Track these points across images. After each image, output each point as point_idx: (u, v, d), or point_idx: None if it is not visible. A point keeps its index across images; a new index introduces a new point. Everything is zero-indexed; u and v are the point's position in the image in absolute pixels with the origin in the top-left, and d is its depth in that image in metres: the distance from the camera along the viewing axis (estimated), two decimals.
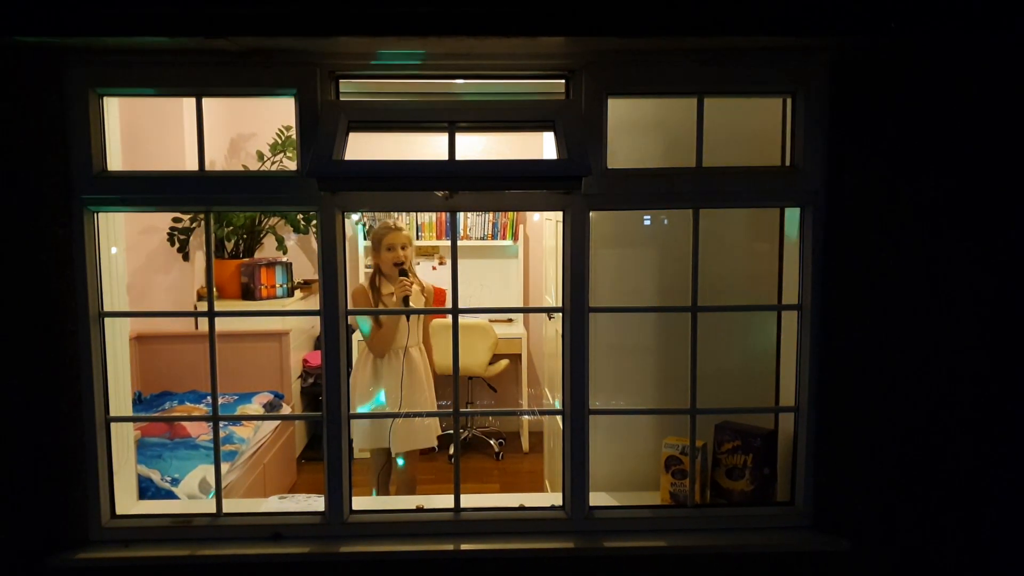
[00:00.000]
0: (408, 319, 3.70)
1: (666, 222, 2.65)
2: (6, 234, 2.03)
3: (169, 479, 3.63)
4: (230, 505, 2.30)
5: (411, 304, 3.59)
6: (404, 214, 4.36)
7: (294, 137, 2.14)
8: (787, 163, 2.23)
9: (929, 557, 2.22)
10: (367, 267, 6.31)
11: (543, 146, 4.43)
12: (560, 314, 2.26)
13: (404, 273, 3.61)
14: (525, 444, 6.10)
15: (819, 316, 2.19)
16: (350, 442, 2.26)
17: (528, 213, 6.22)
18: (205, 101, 2.16)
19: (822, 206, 2.15)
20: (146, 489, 3.48)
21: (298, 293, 5.66)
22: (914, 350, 2.15)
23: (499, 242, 6.34)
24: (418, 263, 4.08)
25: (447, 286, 3.86)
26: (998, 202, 2.11)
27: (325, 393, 2.19)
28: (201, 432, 4.25)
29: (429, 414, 3.83)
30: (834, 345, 2.17)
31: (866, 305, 2.14)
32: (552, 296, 4.25)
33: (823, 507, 2.22)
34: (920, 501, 2.20)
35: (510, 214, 6.28)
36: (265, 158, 5.48)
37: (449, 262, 4.34)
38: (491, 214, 6.30)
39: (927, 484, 2.19)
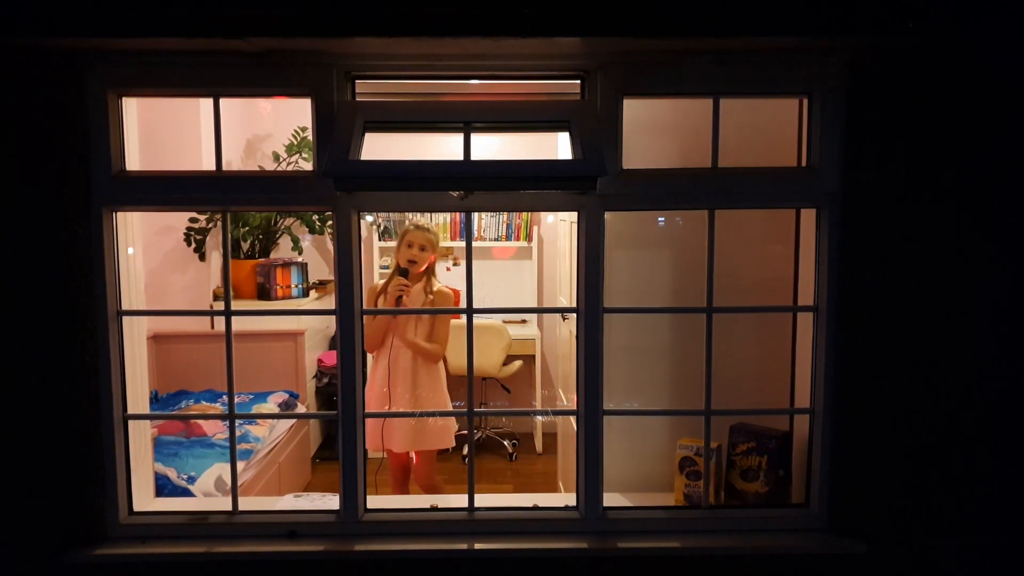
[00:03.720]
0: (397, 317, 3.66)
1: (680, 222, 2.65)
2: (27, 233, 2.06)
3: (185, 477, 3.66)
4: (246, 503, 2.32)
5: (407, 303, 3.55)
6: (431, 218, 4.30)
7: (309, 138, 2.15)
8: (803, 164, 2.22)
9: (946, 560, 2.21)
10: (382, 267, 6.33)
11: (557, 147, 4.43)
12: (574, 315, 2.26)
13: (403, 273, 3.56)
14: (539, 445, 6.10)
15: (835, 317, 2.17)
16: (364, 441, 2.26)
17: (542, 214, 6.23)
18: (221, 102, 2.18)
19: (838, 207, 2.14)
20: (163, 487, 3.51)
21: (313, 293, 5.68)
22: (931, 352, 2.14)
23: (513, 243, 6.35)
24: (448, 267, 4.00)
25: (461, 286, 3.83)
26: (1016, 203, 2.09)
27: (340, 392, 2.20)
28: (217, 431, 4.28)
29: (443, 413, 3.83)
30: (850, 347, 2.16)
31: (882, 307, 2.13)
32: (566, 297, 4.25)
33: (838, 509, 2.21)
34: (937, 504, 2.18)
35: (524, 215, 6.28)
36: (281, 159, 5.52)
37: (463, 263, 4.35)
38: (505, 215, 6.30)
39: (944, 487, 2.18)
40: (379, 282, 3.75)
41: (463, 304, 2.28)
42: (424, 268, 3.63)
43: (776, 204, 2.26)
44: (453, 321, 3.95)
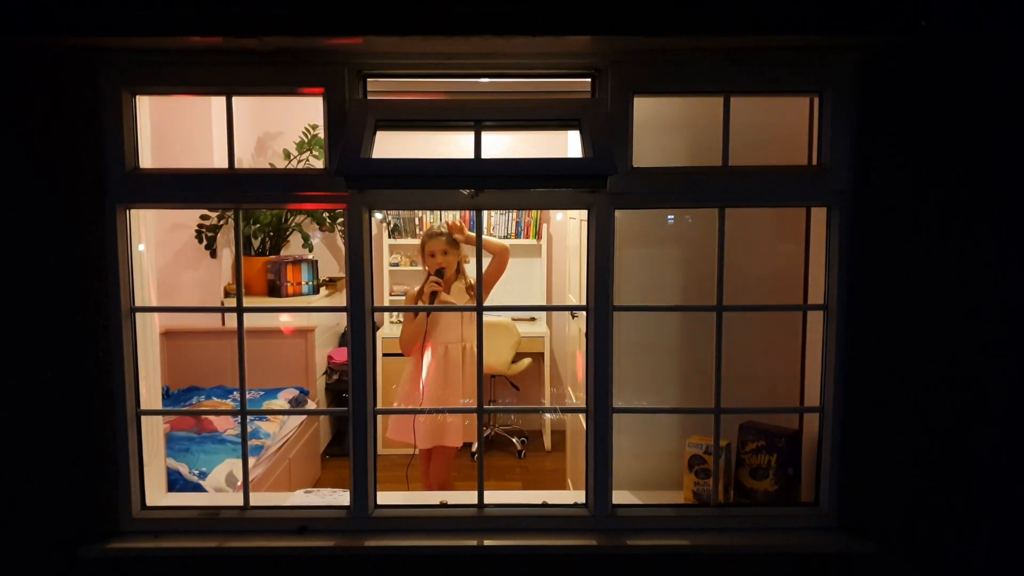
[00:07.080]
0: (429, 315, 3.76)
1: (689, 221, 2.65)
2: (42, 231, 2.08)
3: (197, 472, 3.68)
4: (257, 498, 2.34)
5: (453, 301, 3.72)
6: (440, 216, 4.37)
7: (320, 136, 2.16)
8: (814, 162, 2.22)
9: (955, 560, 2.20)
10: (391, 265, 6.35)
11: (567, 145, 4.43)
12: (583, 313, 2.26)
13: (439, 274, 3.73)
14: (547, 442, 6.10)
15: (845, 316, 2.17)
16: (375, 437, 2.28)
17: (551, 212, 6.23)
18: (233, 100, 2.19)
19: (849, 205, 2.14)
20: (174, 482, 3.53)
21: (323, 290, 5.70)
22: (942, 351, 2.13)
23: (523, 240, 6.35)
24: (467, 261, 4.11)
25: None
26: None
27: (351, 389, 2.21)
28: (227, 427, 4.31)
29: (451, 410, 3.84)
30: (860, 345, 2.16)
31: (893, 305, 2.12)
32: (575, 295, 4.25)
33: (848, 508, 2.21)
34: (947, 503, 2.18)
35: (534, 213, 6.28)
36: (291, 156, 5.53)
37: (473, 260, 4.36)
38: (514, 213, 6.31)
39: (954, 486, 2.17)
40: (419, 287, 3.89)
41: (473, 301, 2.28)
42: (455, 269, 3.82)
43: (786, 203, 2.26)
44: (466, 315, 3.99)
